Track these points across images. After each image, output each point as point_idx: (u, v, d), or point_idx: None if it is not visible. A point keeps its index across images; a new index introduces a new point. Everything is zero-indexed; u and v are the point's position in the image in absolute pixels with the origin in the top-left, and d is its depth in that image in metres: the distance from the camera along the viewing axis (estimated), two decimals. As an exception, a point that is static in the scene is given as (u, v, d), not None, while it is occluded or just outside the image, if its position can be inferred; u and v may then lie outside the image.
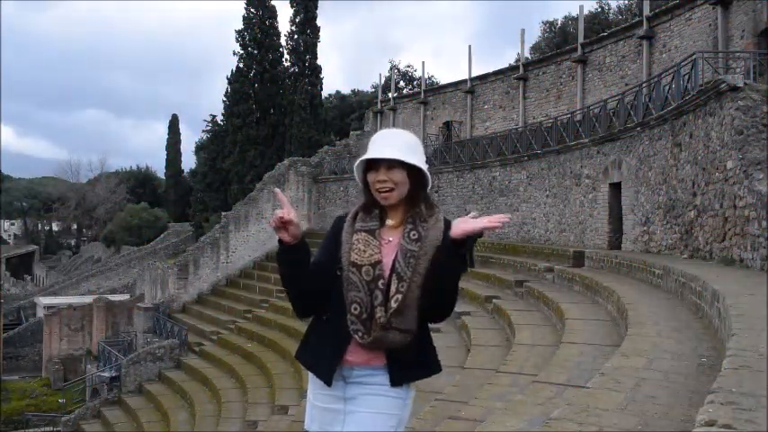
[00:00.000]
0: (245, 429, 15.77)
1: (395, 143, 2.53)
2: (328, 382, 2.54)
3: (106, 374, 26.13)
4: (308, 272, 2.57)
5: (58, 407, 29.24)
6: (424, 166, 2.55)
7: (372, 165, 2.52)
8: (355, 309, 2.47)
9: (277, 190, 2.63)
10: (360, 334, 2.46)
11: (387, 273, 2.48)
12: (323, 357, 2.57)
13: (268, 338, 22.23)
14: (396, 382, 2.52)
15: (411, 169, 2.52)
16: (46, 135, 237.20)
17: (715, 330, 6.19)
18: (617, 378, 4.63)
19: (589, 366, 6.02)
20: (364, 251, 2.50)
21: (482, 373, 8.07)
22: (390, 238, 2.54)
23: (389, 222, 2.58)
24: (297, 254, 2.55)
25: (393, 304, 2.44)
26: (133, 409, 21.98)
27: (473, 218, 2.49)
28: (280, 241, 2.54)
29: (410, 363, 2.54)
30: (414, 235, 2.50)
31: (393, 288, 2.45)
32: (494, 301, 13.28)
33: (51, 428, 27.50)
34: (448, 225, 2.57)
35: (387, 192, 2.51)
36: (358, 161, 2.57)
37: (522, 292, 13.80)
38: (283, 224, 2.49)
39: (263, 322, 24.51)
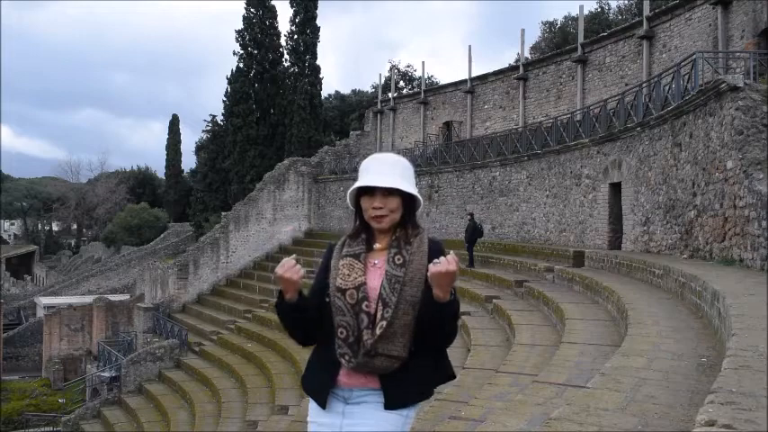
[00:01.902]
0: (245, 429, 15.77)
1: (390, 170, 2.53)
2: (323, 405, 2.56)
3: (106, 374, 26.15)
4: (310, 319, 2.60)
5: (58, 407, 29.26)
6: (417, 193, 2.56)
7: (367, 190, 2.53)
8: (342, 333, 2.47)
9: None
10: (347, 358, 2.47)
11: (373, 295, 2.48)
12: (318, 381, 2.60)
13: (268, 338, 22.23)
14: (389, 406, 2.50)
15: (404, 195, 2.53)
16: (43, 135, 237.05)
17: (715, 330, 6.19)
18: (617, 378, 4.63)
19: (589, 366, 6.03)
20: (349, 275, 2.51)
21: (482, 372, 8.08)
22: (376, 261, 2.55)
23: (377, 246, 2.58)
24: (297, 311, 2.56)
25: (378, 330, 2.43)
26: (133, 409, 21.99)
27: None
28: (280, 295, 2.55)
29: (406, 387, 2.52)
30: (398, 260, 2.50)
31: (378, 314, 2.45)
32: (494, 301, 13.29)
33: (51, 428, 27.52)
34: (434, 248, 2.55)
35: (381, 217, 2.52)
36: (352, 188, 2.57)
37: (522, 292, 13.81)
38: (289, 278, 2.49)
39: (263, 322, 24.51)
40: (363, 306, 2.46)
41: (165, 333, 26.99)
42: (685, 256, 12.40)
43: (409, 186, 2.52)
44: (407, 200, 2.55)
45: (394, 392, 2.50)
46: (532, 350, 8.32)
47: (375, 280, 2.51)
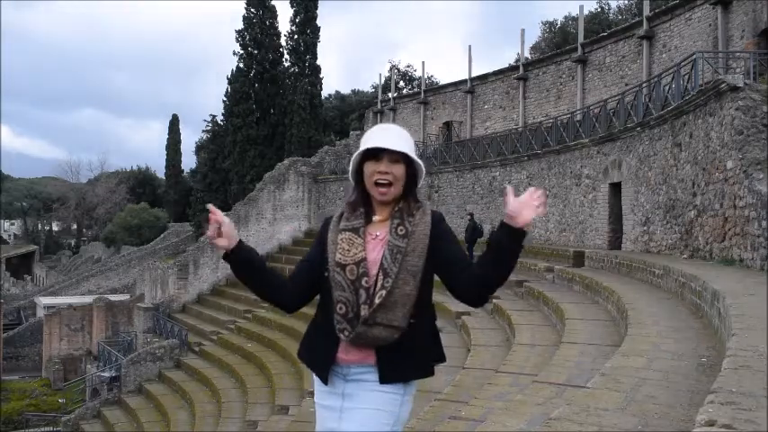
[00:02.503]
0: (245, 429, 15.76)
1: (397, 138, 2.52)
2: (325, 381, 2.57)
3: (106, 374, 26.14)
4: (269, 273, 2.63)
5: (58, 407, 29.26)
6: (421, 163, 2.55)
7: (372, 156, 2.49)
8: (341, 308, 2.47)
9: (210, 206, 2.59)
10: (346, 333, 2.46)
11: (373, 269, 2.47)
12: (318, 356, 2.60)
13: (268, 338, 22.23)
14: (384, 379, 2.50)
15: (408, 166, 2.52)
16: (43, 135, 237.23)
17: (715, 330, 6.19)
18: (617, 378, 4.63)
19: (589, 366, 6.02)
20: (348, 250, 2.49)
21: (482, 372, 8.06)
22: (378, 233, 2.53)
23: (376, 218, 2.56)
24: (243, 259, 2.57)
25: (377, 300, 2.42)
26: (133, 409, 21.98)
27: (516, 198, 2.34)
28: (225, 258, 2.56)
29: (402, 361, 2.51)
30: (401, 230, 2.48)
31: (378, 284, 2.44)
32: (494, 300, 13.27)
33: (51, 428, 27.50)
34: (437, 219, 2.56)
35: (385, 186, 2.49)
36: (360, 149, 2.52)
37: (523, 291, 13.81)
38: (217, 223, 2.51)
39: (263, 322, 24.51)
40: (363, 282, 2.45)
41: (165, 333, 26.97)
42: (685, 256, 12.40)
43: (415, 155, 2.52)
44: (411, 174, 2.53)
45: (389, 367, 2.49)
46: (532, 350, 8.32)
47: (375, 252, 2.50)
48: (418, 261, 2.47)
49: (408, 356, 2.52)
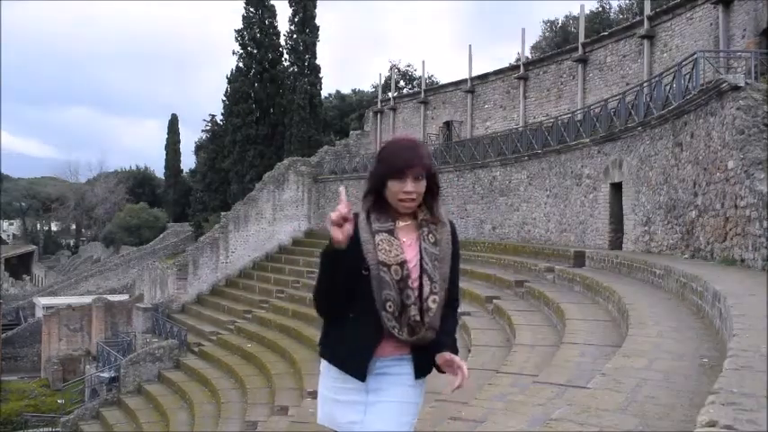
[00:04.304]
0: (245, 429, 15.74)
1: (417, 154, 2.61)
2: (363, 379, 2.62)
3: (105, 375, 26.12)
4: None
5: (56, 407, 29.21)
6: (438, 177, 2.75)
7: (397, 174, 2.57)
8: (390, 307, 2.56)
9: (341, 189, 2.67)
10: (397, 330, 2.57)
11: (414, 272, 2.58)
12: (355, 355, 2.63)
13: (268, 339, 22.21)
14: (419, 375, 2.68)
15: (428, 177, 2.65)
16: (36, 134, 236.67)
17: (716, 331, 6.17)
18: (618, 378, 4.61)
19: (590, 367, 6.00)
20: (389, 251, 2.58)
21: (482, 373, 8.03)
22: (405, 239, 2.63)
23: (400, 224, 2.66)
24: (344, 258, 2.55)
25: (431, 305, 2.57)
26: (132, 409, 21.96)
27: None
28: (331, 243, 2.53)
29: (428, 357, 2.66)
30: (431, 238, 2.63)
31: (427, 289, 2.58)
32: (494, 301, 13.26)
33: (50, 429, 27.49)
34: (454, 229, 2.74)
35: (411, 201, 2.61)
36: (386, 169, 2.59)
37: (523, 292, 13.78)
38: (344, 220, 2.49)
39: (262, 322, 24.50)
40: (409, 283, 2.56)
41: (165, 333, 26.95)
42: (686, 256, 12.37)
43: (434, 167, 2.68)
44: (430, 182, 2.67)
45: (422, 364, 2.67)
46: (533, 350, 8.30)
47: (410, 256, 2.61)
48: (447, 267, 2.64)
49: (430, 353, 2.67)
